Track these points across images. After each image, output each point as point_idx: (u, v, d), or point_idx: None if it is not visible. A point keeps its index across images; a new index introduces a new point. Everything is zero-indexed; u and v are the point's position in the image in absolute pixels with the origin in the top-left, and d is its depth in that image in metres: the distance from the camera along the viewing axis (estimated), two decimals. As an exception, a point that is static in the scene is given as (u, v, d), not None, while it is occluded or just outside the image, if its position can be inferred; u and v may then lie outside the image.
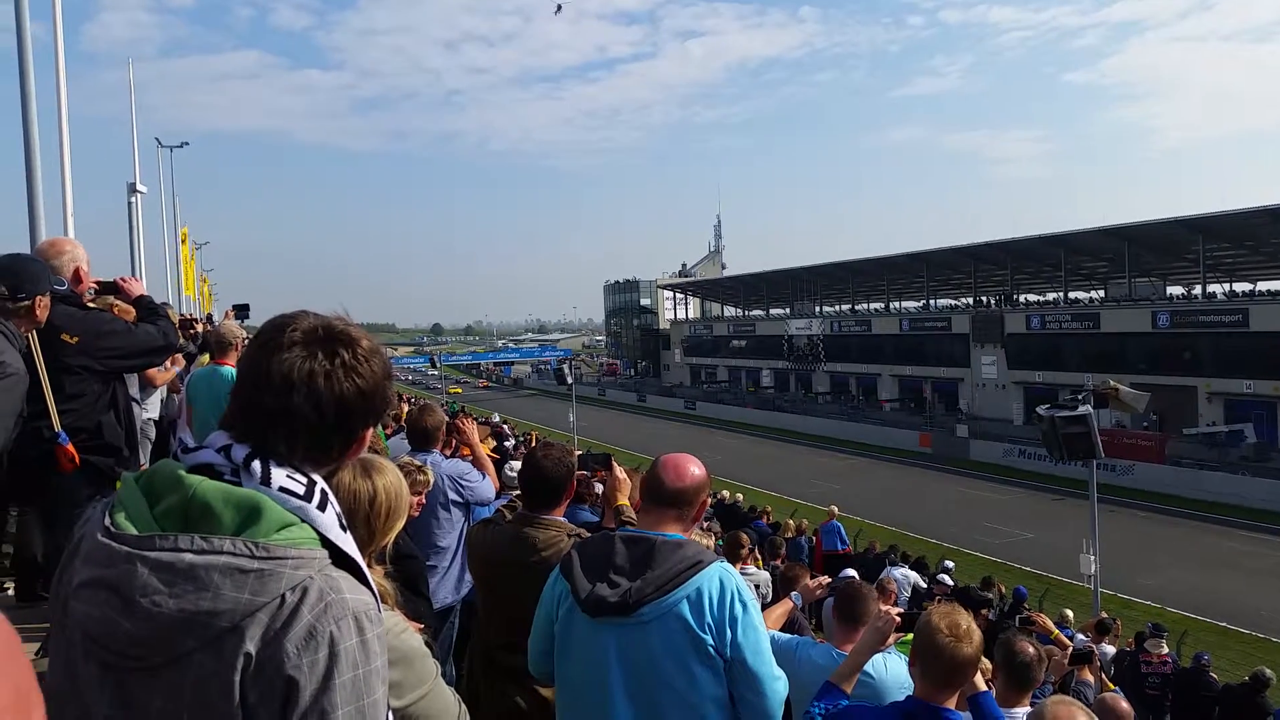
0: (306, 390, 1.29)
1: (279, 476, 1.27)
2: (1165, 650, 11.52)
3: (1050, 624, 6.95)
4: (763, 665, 2.43)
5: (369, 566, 1.50)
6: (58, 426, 3.64)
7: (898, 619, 3.16)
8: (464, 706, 2.22)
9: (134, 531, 1.21)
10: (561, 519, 3.47)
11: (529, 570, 3.16)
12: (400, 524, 2.34)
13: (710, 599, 2.40)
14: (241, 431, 1.30)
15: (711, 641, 2.38)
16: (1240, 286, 50.75)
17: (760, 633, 2.45)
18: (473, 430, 5.61)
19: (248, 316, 8.29)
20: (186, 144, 32.48)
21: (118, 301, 4.58)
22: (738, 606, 2.41)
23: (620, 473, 3.82)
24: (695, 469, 2.66)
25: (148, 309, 4.37)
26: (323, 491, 1.31)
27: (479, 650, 3.49)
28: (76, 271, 4.04)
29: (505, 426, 27.25)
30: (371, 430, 1.42)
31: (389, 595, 2.15)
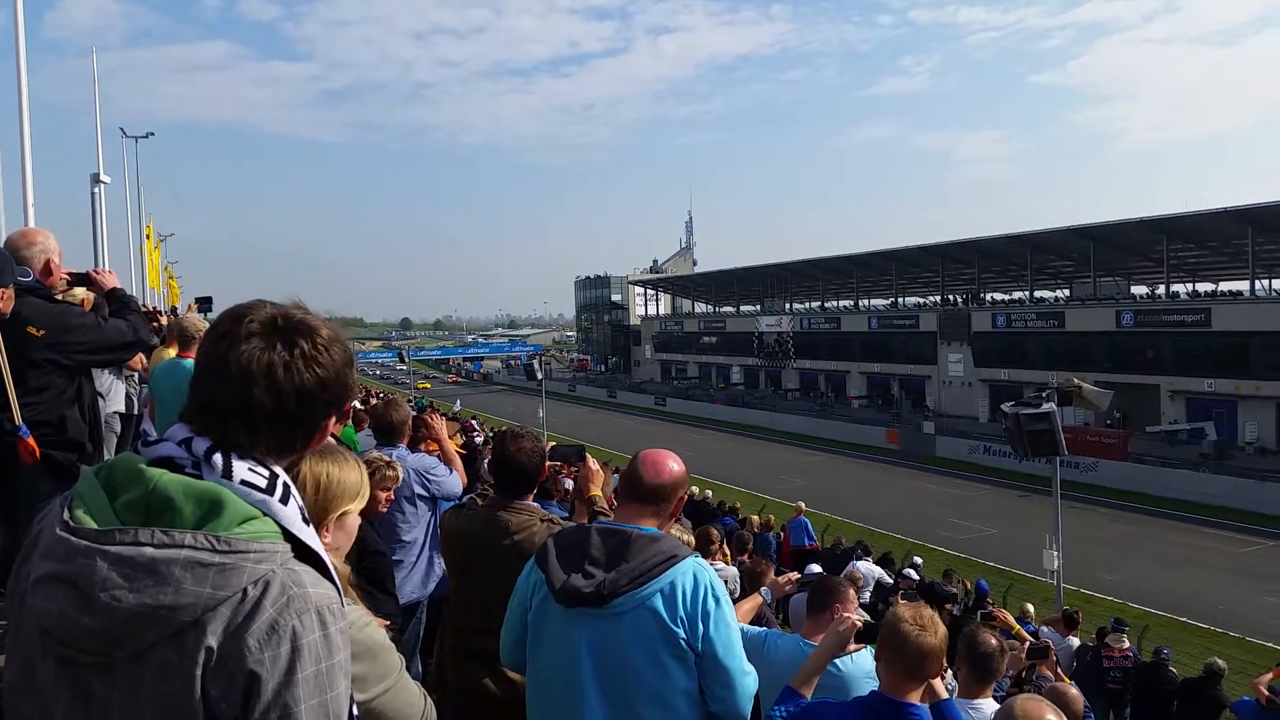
0: (266, 382, 1.28)
1: (240, 469, 1.26)
2: (1127, 644, 11.70)
3: (1011, 619, 7.03)
4: (733, 660, 2.44)
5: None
6: (19, 419, 3.58)
7: (859, 624, 3.15)
8: (429, 701, 2.21)
9: (93, 525, 1.19)
10: (534, 504, 3.49)
11: (502, 553, 3.18)
12: (338, 513, 2.27)
13: (684, 593, 2.40)
14: (202, 424, 1.29)
15: (684, 635, 2.38)
16: (1203, 286, 51.68)
17: (732, 628, 2.46)
18: (440, 425, 5.59)
19: (211, 309, 8.21)
20: (152, 134, 32.25)
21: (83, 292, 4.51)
22: (710, 601, 2.42)
23: (594, 464, 3.83)
24: (674, 465, 2.68)
25: (120, 303, 4.30)
26: (285, 485, 1.30)
27: (450, 632, 3.49)
28: (48, 264, 3.95)
29: (473, 421, 27.08)
30: (334, 419, 1.40)
31: (346, 583, 2.11)
